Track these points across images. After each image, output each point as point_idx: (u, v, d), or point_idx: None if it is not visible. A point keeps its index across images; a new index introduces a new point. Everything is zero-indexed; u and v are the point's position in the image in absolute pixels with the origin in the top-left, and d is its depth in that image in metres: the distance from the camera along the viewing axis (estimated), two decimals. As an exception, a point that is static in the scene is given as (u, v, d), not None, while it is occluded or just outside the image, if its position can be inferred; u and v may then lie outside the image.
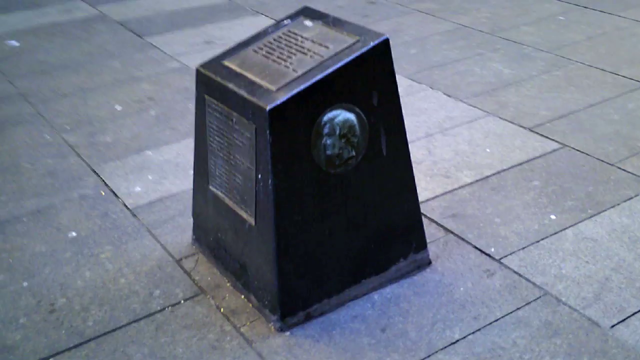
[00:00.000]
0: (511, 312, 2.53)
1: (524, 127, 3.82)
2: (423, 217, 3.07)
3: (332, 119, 2.36)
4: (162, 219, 3.09)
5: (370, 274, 2.63)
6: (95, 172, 3.50)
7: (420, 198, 3.20)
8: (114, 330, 2.49)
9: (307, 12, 2.70)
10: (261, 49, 2.56)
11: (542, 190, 3.26)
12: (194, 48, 5.12)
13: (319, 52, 2.43)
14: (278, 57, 2.48)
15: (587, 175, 3.36)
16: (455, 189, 3.28)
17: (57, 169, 3.55)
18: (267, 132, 2.26)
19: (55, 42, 5.35)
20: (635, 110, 4.00)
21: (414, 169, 3.40)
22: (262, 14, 5.82)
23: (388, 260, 2.66)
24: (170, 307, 2.59)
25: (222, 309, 2.57)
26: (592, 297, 2.58)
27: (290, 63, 2.43)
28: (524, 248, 2.87)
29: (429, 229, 2.98)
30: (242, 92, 2.36)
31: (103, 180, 3.42)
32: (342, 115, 2.38)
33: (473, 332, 2.44)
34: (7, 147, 3.78)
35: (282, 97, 2.26)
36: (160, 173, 3.49)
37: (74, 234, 3.04)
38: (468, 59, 4.78)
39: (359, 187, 2.50)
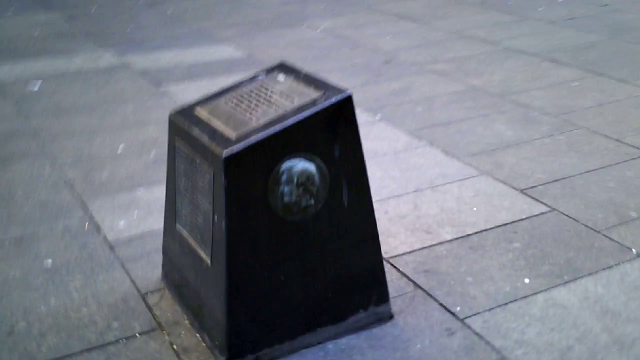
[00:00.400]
0: (463, 374, 2.49)
1: (516, 189, 3.80)
2: (395, 271, 3.06)
3: (290, 168, 2.40)
4: (137, 253, 3.15)
5: (327, 323, 2.62)
6: (85, 205, 3.60)
7: (396, 252, 3.20)
8: (64, 357, 2.53)
9: (282, 67, 2.78)
10: (232, 99, 2.64)
11: (521, 252, 3.22)
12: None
13: (284, 105, 2.49)
14: (245, 108, 2.55)
15: (570, 240, 3.31)
16: (434, 245, 3.27)
17: (49, 201, 3.66)
18: (223, 176, 2.31)
19: (75, 87, 5.57)
20: (632, 178, 3.94)
21: (397, 223, 3.41)
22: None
23: (346, 311, 2.65)
24: (124, 340, 2.62)
25: (174, 346, 2.59)
26: (550, 366, 2.53)
27: (255, 114, 2.49)
28: (490, 309, 2.83)
29: (399, 283, 2.97)
30: (204, 139, 2.43)
31: (90, 214, 3.51)
32: (300, 165, 2.42)
33: (421, 391, 2.42)
34: (7, 178, 3.92)
35: (238, 146, 2.32)
36: (147, 210, 3.56)
37: (49, 261, 3.12)
38: (472, 119, 4.80)
39: (317, 236, 2.52)
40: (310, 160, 2.43)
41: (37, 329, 2.67)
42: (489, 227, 3.43)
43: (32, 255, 3.17)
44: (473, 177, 3.95)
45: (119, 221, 3.42)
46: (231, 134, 2.40)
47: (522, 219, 3.50)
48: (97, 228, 3.38)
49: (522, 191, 3.78)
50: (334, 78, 5.61)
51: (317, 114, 2.40)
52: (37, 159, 4.16)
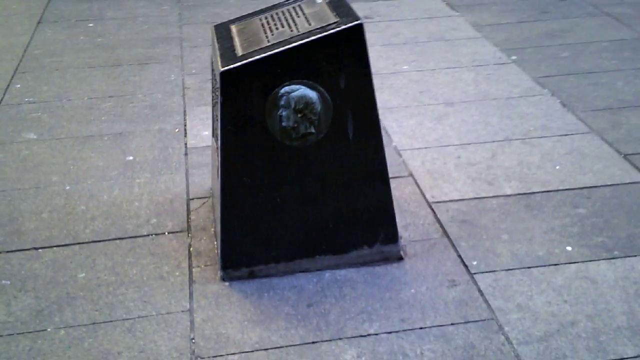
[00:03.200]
0: (442, 325, 2.40)
1: (619, 153, 3.40)
2: (431, 216, 2.97)
3: (288, 92, 2.43)
4: (204, 162, 3.39)
5: (326, 252, 2.66)
6: (185, 112, 3.91)
7: (444, 197, 3.08)
8: (100, 241, 2.87)
9: (329, -12, 2.76)
10: (266, 18, 2.69)
11: (581, 219, 2.93)
12: (350, 18, 5.28)
13: (301, 28, 2.50)
14: (270, 28, 2.59)
15: (648, 217, 2.94)
16: (487, 197, 3.09)
17: (160, 104, 4.03)
18: (219, 92, 2.42)
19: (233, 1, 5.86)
20: None
21: (462, 170, 3.27)
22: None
23: (348, 244, 2.66)
24: (153, 235, 2.89)
25: (191, 249, 2.81)
26: (539, 337, 2.34)
27: (273, 35, 2.53)
28: (508, 270, 2.65)
29: (428, 228, 2.88)
30: (217, 53, 2.54)
31: (185, 121, 3.82)
32: (300, 91, 2.43)
33: (389, 332, 2.38)
34: (138, 79, 4.36)
35: (237, 64, 2.39)
36: (236, 124, 3.78)
37: (131, 158, 3.49)
38: (618, 72, 4.29)
39: (318, 165, 2.54)
40: (312, 88, 2.43)
41: (91, 214, 3.05)
42: (560, 188, 3.15)
43: (120, 150, 3.56)
44: (578, 133, 3.60)
45: (204, 131, 3.68)
46: (239, 51, 2.48)
47: (605, 185, 3.15)
48: (184, 134, 3.68)
49: (625, 156, 3.38)
50: (489, 13, 5.30)
51: (320, 40, 2.39)
52: (170, 65, 4.55)
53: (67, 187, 3.24)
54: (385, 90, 4.11)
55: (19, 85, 4.33)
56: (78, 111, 3.99)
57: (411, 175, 3.29)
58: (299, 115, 2.46)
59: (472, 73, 4.32)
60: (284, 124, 2.46)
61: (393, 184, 3.10)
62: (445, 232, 2.87)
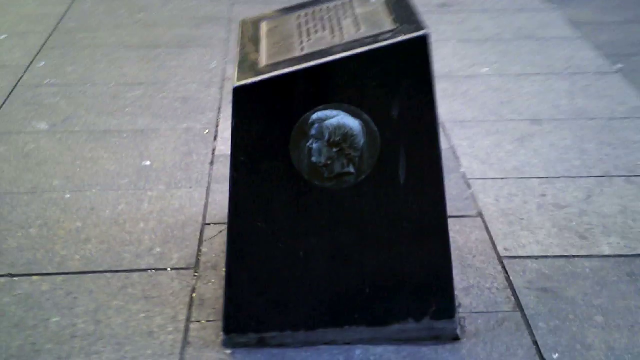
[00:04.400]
0: None
1: None
2: (502, 276, 2.32)
3: (322, 120, 1.82)
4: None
5: (359, 323, 2.05)
6: (219, 110, 3.36)
7: (521, 252, 2.42)
8: (88, 272, 2.35)
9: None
10: (305, 16, 2.08)
11: (703, 301, 2.23)
12: (426, 8, 4.56)
13: (346, 34, 1.88)
14: (306, 30, 1.99)
15: None
16: (579, 257, 2.42)
17: (192, 97, 3.48)
18: (232, 114, 1.83)
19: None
20: None
21: (547, 214, 2.59)
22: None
23: (388, 315, 2.04)
24: (153, 271, 2.35)
25: (194, 294, 2.26)
26: None
27: (308, 40, 1.92)
28: (600, 370, 2.00)
29: (497, 295, 2.24)
30: (238, 61, 1.95)
31: (217, 121, 3.26)
32: (337, 119, 1.82)
33: None
34: (174, 64, 3.83)
35: (257, 78, 1.80)
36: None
37: (147, 163, 2.96)
38: None
39: (355, 213, 1.93)
40: (354, 115, 1.82)
41: (87, 234, 2.52)
42: (677, 251, 2.45)
43: (138, 152, 3.03)
44: None
45: (238, 135, 3.12)
46: (263, 61, 1.89)
47: None
48: (214, 137, 3.13)
49: None
50: (590, 8, 4.51)
51: (370, 54, 1.76)
52: (211, 50, 3.99)
53: (67, 196, 2.74)
54: (457, 98, 3.44)
55: (43, 63, 3.86)
56: (101, 99, 3.49)
57: (481, 215, 2.64)
58: (335, 150, 1.85)
59: (566, 83, 3.59)
60: (314, 159, 1.86)
61: (456, 225, 2.50)
62: (519, 304, 2.22)
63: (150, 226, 2.58)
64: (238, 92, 1.79)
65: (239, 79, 1.80)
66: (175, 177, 2.87)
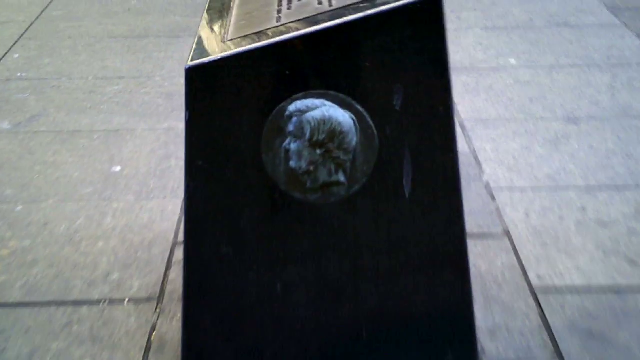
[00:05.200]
0: None
1: None
2: (535, 313, 1.86)
3: (302, 112, 1.39)
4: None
5: (356, 373, 1.64)
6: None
7: (559, 281, 1.96)
8: (29, 304, 1.93)
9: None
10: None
11: None
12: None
13: (337, 1, 1.45)
14: (289, -4, 1.55)
15: None
16: (631, 289, 1.95)
17: (178, 92, 3.04)
18: (186, 105, 1.41)
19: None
20: None
21: (589, 233, 2.13)
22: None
23: (392, 364, 1.62)
24: (106, 303, 1.93)
25: (154, 334, 1.83)
26: None
27: (289, 7, 1.49)
28: None
29: (529, 339, 1.78)
30: (197, 36, 1.52)
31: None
32: (322, 111, 1.39)
33: None
34: (160, 56, 3.42)
35: (215, 56, 1.37)
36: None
37: (117, 169, 2.54)
38: None
39: (348, 236, 1.49)
40: (345, 106, 1.39)
41: (34, 255, 2.10)
42: None
43: (108, 155, 2.62)
44: None
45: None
46: (229, 34, 1.46)
47: None
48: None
49: None
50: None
51: (367, 23, 1.33)
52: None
53: (19, 208, 2.33)
54: (480, 94, 2.98)
55: (17, 55, 3.46)
56: (75, 95, 3.08)
57: (508, 234, 2.18)
58: (319, 152, 1.42)
59: (606, 76, 3.12)
60: (292, 163, 1.44)
61: (478, 246, 2.06)
62: (558, 351, 1.74)
63: (110, 245, 2.16)
64: (191, 74, 1.37)
65: (193, 58, 1.38)
66: (148, 185, 2.45)
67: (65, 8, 4.05)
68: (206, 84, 1.38)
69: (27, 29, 3.76)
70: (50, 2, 4.12)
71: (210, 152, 1.43)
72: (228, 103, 1.39)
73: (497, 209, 2.28)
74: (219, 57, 1.36)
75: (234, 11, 1.58)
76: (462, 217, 1.48)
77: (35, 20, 3.88)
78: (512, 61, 3.29)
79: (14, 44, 3.58)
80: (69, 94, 3.10)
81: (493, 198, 2.33)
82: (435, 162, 1.43)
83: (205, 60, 1.36)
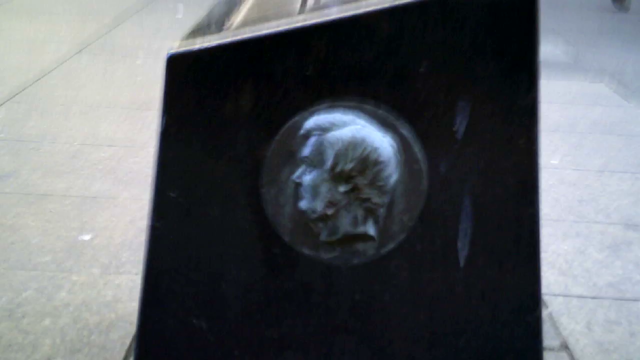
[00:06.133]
0: None
1: None
2: None
3: (324, 129, 1.00)
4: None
5: None
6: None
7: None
8: None
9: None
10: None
11: None
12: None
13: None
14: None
15: None
16: None
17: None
18: (162, 109, 1.02)
19: None
20: None
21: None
22: None
23: None
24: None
25: None
26: None
27: (316, -3, 1.14)
28: None
29: None
30: (196, 23, 1.16)
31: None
32: (352, 130, 0.99)
33: None
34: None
35: (207, 43, 1.00)
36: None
37: (87, 237, 2.12)
38: None
39: (373, 314, 1.06)
40: (384, 125, 1.00)
41: (-39, 331, 1.68)
42: None
43: (79, 222, 2.20)
44: None
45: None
46: (235, 23, 1.09)
47: None
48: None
49: None
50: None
51: (426, 7, 0.97)
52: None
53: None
54: (521, 191, 2.61)
55: (0, 116, 3.16)
56: (55, 158, 2.71)
57: (566, 348, 1.72)
58: (343, 188, 1.02)
59: (664, 184, 2.75)
60: (304, 204, 1.02)
61: None
62: None
63: (58, 324, 1.70)
64: (172, 65, 0.99)
65: (180, 45, 1.01)
66: (119, 258, 2.02)
67: (65, 76, 3.77)
68: (192, 81, 0.99)
69: (19, 92, 3.46)
70: (52, 70, 3.85)
71: (189, 179, 1.02)
72: (220, 110, 1.00)
73: (551, 317, 1.82)
74: (213, 45, 0.98)
75: (249, 1, 1.23)
76: (539, 302, 1.04)
77: (31, 84, 3.58)
78: (555, 161, 2.92)
79: (1, 105, 3.27)
80: (49, 157, 2.72)
81: (546, 306, 1.88)
82: (506, 219, 1.02)
83: (194, 47, 0.99)
